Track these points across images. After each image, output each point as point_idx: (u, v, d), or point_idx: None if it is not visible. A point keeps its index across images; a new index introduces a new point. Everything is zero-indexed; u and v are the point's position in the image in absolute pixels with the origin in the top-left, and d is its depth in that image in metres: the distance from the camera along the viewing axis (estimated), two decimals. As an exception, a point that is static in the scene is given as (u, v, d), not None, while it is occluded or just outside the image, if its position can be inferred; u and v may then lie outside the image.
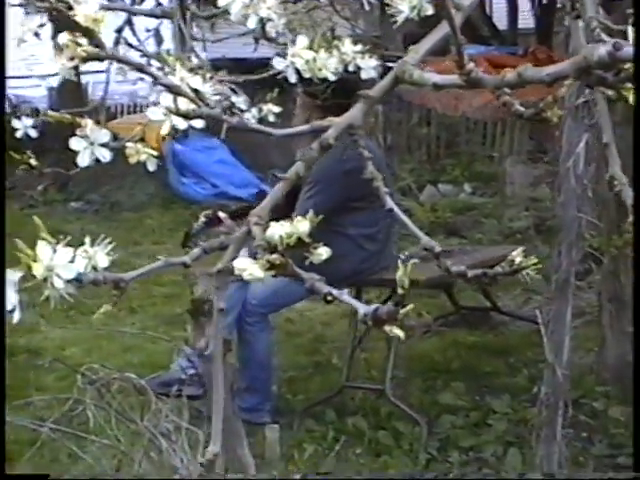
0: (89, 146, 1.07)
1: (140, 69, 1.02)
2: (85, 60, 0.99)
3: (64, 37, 1.01)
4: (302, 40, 1.24)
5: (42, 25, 1.22)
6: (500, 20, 12.50)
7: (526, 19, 11.77)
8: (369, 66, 1.29)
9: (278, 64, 1.24)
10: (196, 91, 1.02)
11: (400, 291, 0.88)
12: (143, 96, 9.81)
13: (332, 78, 1.27)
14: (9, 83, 12.62)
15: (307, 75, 1.25)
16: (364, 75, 1.30)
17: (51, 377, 4.44)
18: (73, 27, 0.98)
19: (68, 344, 4.91)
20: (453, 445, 3.52)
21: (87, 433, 2.66)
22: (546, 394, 2.31)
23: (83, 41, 1.02)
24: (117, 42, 1.51)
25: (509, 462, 3.33)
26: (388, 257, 3.89)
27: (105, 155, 1.08)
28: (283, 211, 4.23)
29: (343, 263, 3.54)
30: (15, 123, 1.44)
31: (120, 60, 1.01)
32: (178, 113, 0.99)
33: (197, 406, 3.36)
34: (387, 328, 0.88)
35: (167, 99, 0.99)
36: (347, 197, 3.66)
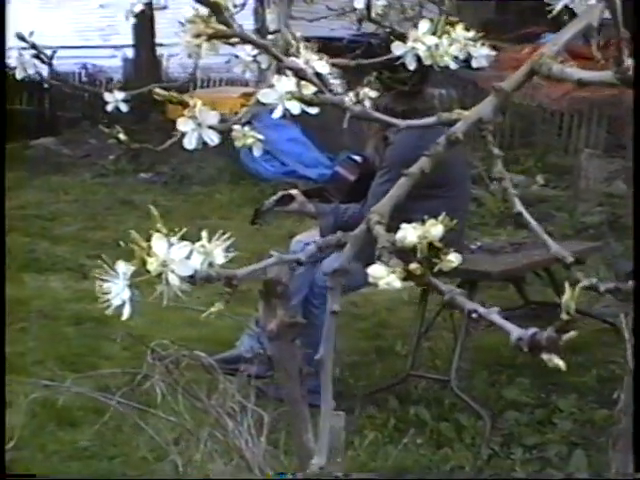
0: (197, 128, 1.02)
1: (266, 50, 0.97)
2: (211, 38, 0.94)
3: (189, 12, 0.97)
4: (424, 25, 1.17)
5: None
6: (580, 8, 12.22)
7: (609, 9, 11.48)
8: (481, 54, 1.22)
9: (397, 49, 1.18)
10: (319, 75, 0.97)
11: (565, 317, 0.79)
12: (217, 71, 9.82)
13: (453, 66, 1.20)
14: (85, 52, 12.77)
15: (428, 62, 1.19)
16: (475, 64, 1.23)
17: (117, 346, 4.47)
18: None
19: (134, 314, 4.93)
20: (516, 442, 3.45)
21: (153, 406, 2.66)
22: (626, 401, 2.24)
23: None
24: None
25: (574, 464, 3.25)
26: (459, 247, 3.83)
27: (213, 138, 1.03)
28: (355, 195, 4.18)
29: (414, 251, 3.49)
30: (106, 96, 1.41)
31: (246, 40, 0.96)
32: (302, 100, 0.94)
33: (259, 386, 3.35)
34: (545, 356, 0.79)
35: (282, 83, 0.94)
36: (421, 184, 3.60)
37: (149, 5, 1.46)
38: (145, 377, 2.60)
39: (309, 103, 0.94)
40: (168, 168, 8.84)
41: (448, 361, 3.79)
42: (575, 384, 3.94)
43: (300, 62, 0.96)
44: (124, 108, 1.42)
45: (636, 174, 1.01)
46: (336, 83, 1.53)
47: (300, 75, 0.94)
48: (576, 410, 3.67)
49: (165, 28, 12.23)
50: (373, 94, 1.58)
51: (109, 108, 1.43)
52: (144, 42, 10.87)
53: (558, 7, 1.05)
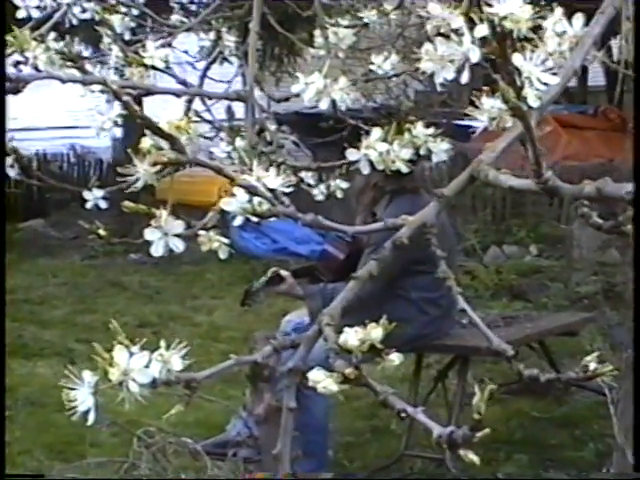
0: (163, 236, 1.06)
1: (219, 172, 1.02)
2: (166, 165, 1.00)
3: (146, 142, 1.02)
4: (376, 132, 1.23)
5: (121, 115, 1.23)
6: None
7: (596, 76, 11.51)
8: (441, 150, 1.28)
9: (351, 155, 1.24)
10: (272, 190, 1.02)
11: (476, 417, 0.84)
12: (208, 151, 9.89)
13: (405, 170, 1.26)
14: (74, 133, 12.87)
15: (380, 167, 1.24)
16: (435, 159, 1.29)
17: (106, 433, 4.39)
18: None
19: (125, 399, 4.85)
20: (516, 521, 3.38)
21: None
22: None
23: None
24: (187, 111, 1.49)
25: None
26: (450, 322, 3.79)
27: (179, 245, 1.07)
28: (344, 273, 4.14)
29: (405, 328, 3.45)
30: (85, 194, 1.42)
31: (201, 164, 1.01)
32: (255, 214, 0.99)
33: (253, 469, 3.28)
34: (462, 452, 0.83)
35: (241, 194, 0.99)
36: (411, 260, 3.58)
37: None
38: (133, 465, 2.54)
39: (261, 216, 1.00)
40: (159, 248, 8.81)
41: (444, 439, 3.71)
42: (573, 459, 3.87)
43: (252, 179, 1.02)
44: (103, 205, 1.42)
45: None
46: (308, 175, 1.54)
47: (252, 192, 1.00)
48: (575, 487, 3.60)
49: (153, 107, 12.36)
50: (345, 185, 1.60)
51: (88, 206, 1.43)
52: (132, 122, 10.94)
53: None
